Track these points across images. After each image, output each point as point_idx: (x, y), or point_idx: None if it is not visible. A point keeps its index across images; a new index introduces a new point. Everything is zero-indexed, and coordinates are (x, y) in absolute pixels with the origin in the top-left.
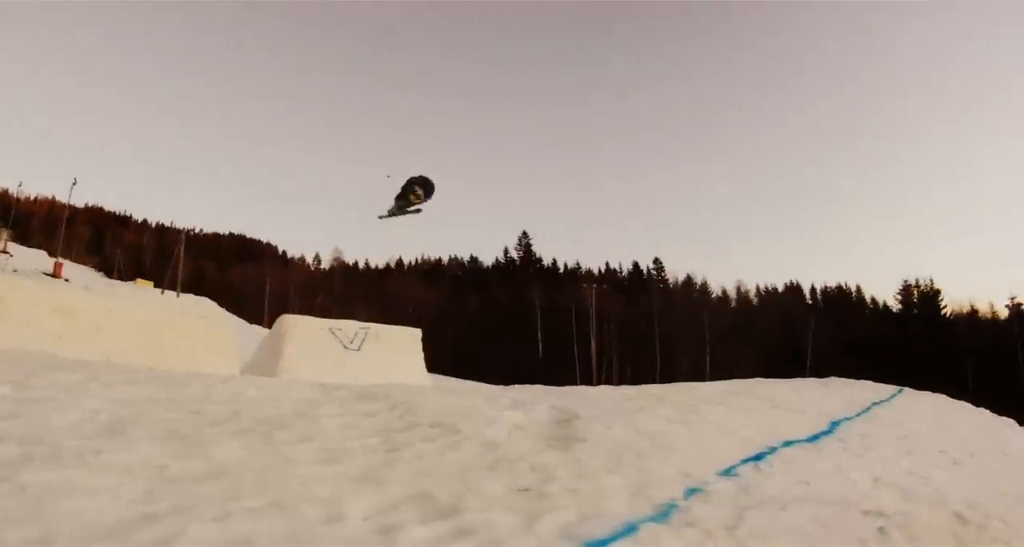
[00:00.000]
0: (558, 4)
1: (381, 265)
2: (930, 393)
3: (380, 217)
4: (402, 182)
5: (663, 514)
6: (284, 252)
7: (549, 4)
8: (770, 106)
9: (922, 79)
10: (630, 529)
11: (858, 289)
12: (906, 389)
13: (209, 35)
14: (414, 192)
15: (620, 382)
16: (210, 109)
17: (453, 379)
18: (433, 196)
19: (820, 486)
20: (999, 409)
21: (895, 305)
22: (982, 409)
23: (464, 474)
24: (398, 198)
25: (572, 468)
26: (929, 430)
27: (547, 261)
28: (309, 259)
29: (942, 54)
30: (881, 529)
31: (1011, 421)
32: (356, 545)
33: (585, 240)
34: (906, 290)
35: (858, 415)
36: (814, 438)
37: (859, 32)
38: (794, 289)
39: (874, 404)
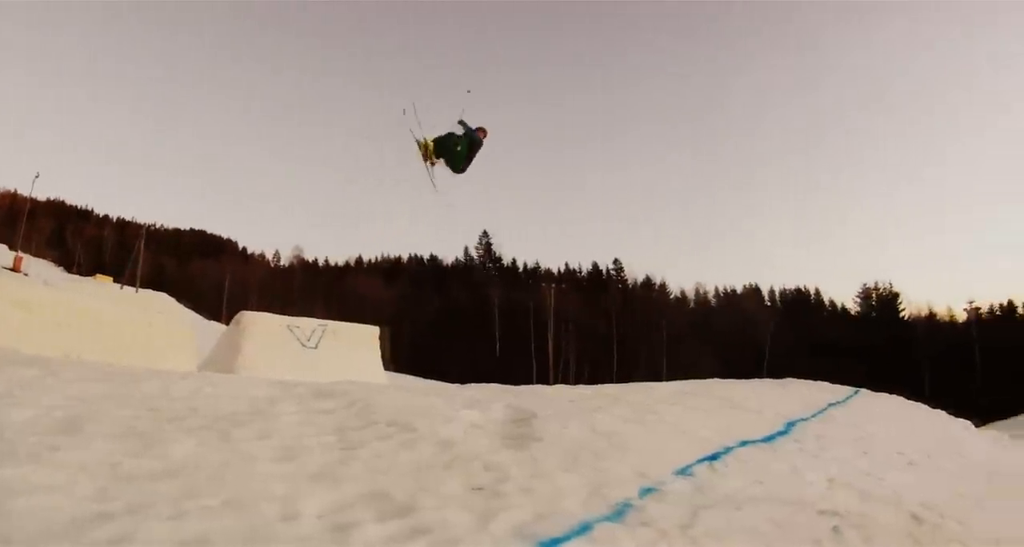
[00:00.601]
0: (520, 5)
1: (341, 262)
2: (887, 395)
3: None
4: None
5: (618, 513)
6: (244, 248)
7: (511, 5)
8: (730, 108)
9: (881, 80)
10: (585, 528)
11: (817, 292)
12: (863, 390)
13: (174, 32)
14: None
15: (577, 382)
16: (173, 105)
17: (411, 377)
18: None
19: (775, 486)
20: (956, 411)
21: (854, 308)
22: (939, 411)
23: (420, 473)
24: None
25: (528, 467)
26: (885, 431)
27: (507, 261)
28: (269, 256)
29: (901, 55)
30: (836, 529)
31: (967, 423)
32: (311, 544)
33: (546, 240)
34: (865, 293)
35: (814, 416)
36: (770, 438)
37: (816, 34)
38: (753, 291)
39: (830, 405)
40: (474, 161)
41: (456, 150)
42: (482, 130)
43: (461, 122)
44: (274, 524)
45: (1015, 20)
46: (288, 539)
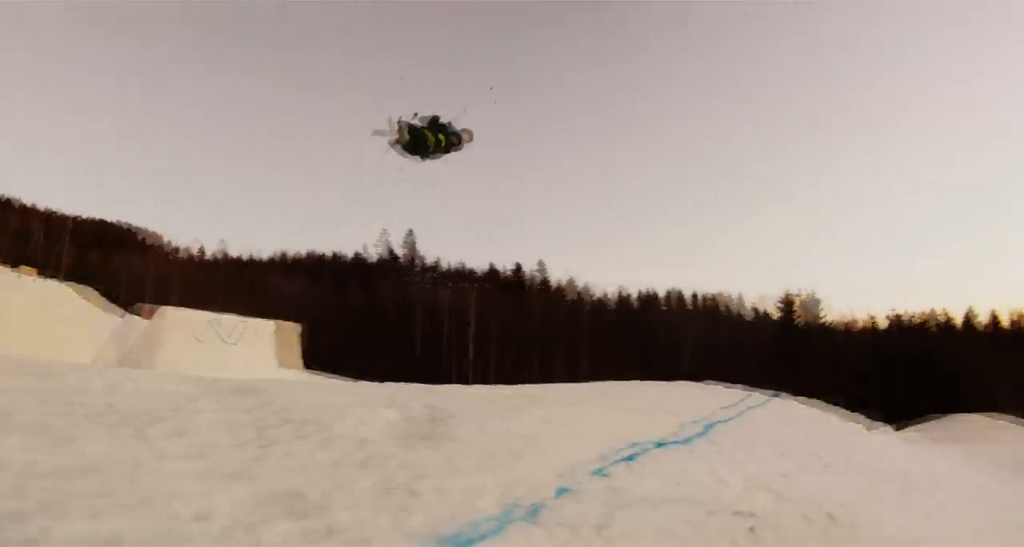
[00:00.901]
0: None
1: (265, 258)
2: (805, 399)
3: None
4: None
5: (533, 513)
6: (169, 242)
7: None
8: (653, 109)
9: (804, 82)
10: (500, 528)
11: (739, 297)
12: (781, 394)
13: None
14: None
15: (497, 382)
16: (102, 93)
17: (331, 375)
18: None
19: (692, 487)
20: (874, 416)
21: (775, 313)
22: (856, 415)
23: (335, 471)
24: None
25: (443, 466)
26: (802, 434)
27: (430, 260)
28: (194, 250)
29: (819, 57)
30: (752, 529)
31: (885, 427)
32: (224, 543)
33: (470, 240)
34: (786, 299)
35: (732, 419)
36: (687, 440)
37: (735, 33)
38: (674, 295)
39: (748, 408)
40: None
41: (426, 148)
42: (467, 132)
43: (442, 125)
44: (188, 523)
45: (925, 14)
46: (201, 538)
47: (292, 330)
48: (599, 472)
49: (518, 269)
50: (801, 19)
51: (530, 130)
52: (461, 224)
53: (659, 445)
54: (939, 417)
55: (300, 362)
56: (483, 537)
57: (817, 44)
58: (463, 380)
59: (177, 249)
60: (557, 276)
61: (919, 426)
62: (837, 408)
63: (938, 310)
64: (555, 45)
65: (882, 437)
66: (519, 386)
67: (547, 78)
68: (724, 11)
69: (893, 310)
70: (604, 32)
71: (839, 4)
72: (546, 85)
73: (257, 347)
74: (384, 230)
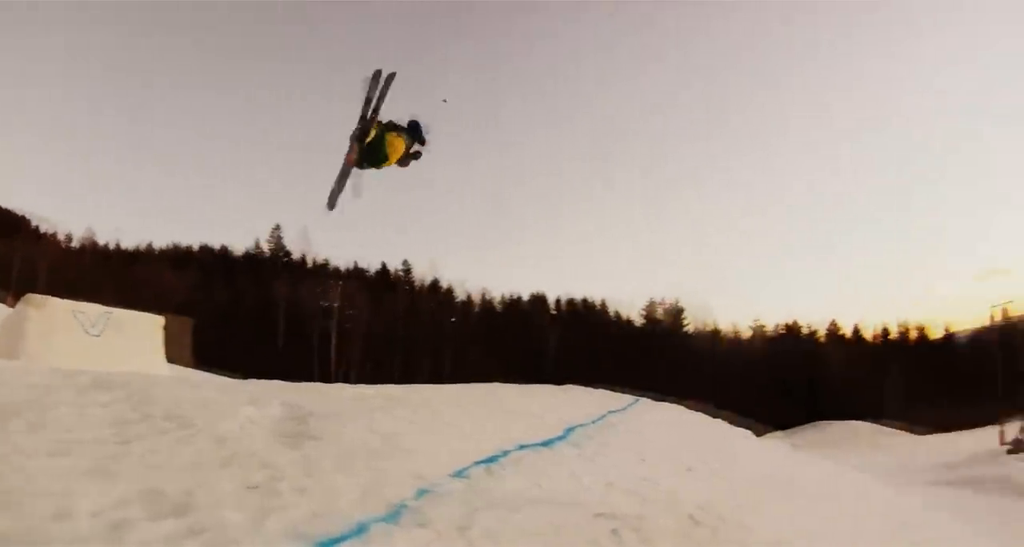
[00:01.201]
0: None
1: (132, 247)
2: (667, 404)
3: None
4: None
5: (394, 514)
6: (37, 227)
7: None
8: (530, 111)
9: (679, 95)
10: (361, 529)
11: (603, 303)
12: (643, 399)
13: None
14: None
15: (360, 381)
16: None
17: (193, 370)
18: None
19: (553, 489)
20: (738, 421)
21: (639, 320)
22: (719, 420)
23: (196, 469)
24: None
25: (304, 466)
26: (665, 438)
27: (296, 255)
28: (62, 236)
29: (697, 69)
30: (615, 531)
31: (747, 432)
32: (86, 544)
33: (337, 236)
34: (650, 306)
35: (594, 422)
36: (549, 443)
37: (616, 42)
38: (539, 299)
39: (611, 412)
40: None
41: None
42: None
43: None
44: (48, 523)
45: (792, 23)
46: (63, 539)
47: (155, 323)
48: (460, 474)
49: (383, 268)
50: (681, 32)
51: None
52: (329, 218)
53: (521, 448)
54: (817, 424)
55: (163, 356)
56: (344, 538)
57: (698, 54)
58: (326, 379)
59: (71, 238)
60: (422, 276)
61: (794, 431)
62: (698, 413)
63: (819, 320)
64: (442, 47)
65: (745, 442)
66: (382, 386)
67: (445, 79)
68: (604, 26)
69: (756, 319)
70: (496, 34)
71: (714, 21)
72: (443, 85)
73: (120, 339)
74: (277, 225)
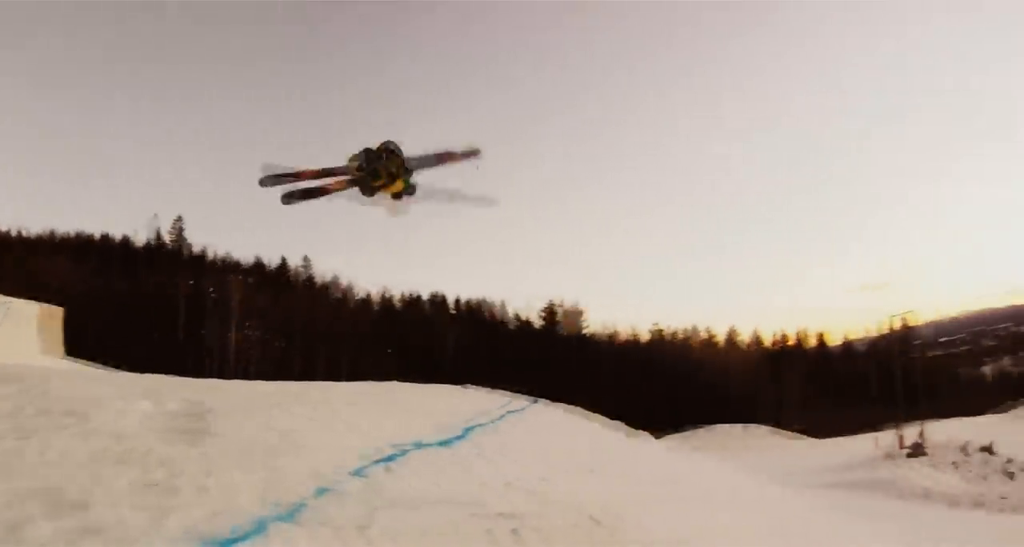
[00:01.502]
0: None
1: (32, 235)
2: (565, 405)
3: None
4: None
5: (293, 513)
6: None
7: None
8: (435, 107)
9: (577, 95)
10: (261, 528)
11: (502, 304)
12: (541, 400)
13: None
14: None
15: (258, 378)
16: None
17: (91, 363)
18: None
19: (452, 488)
20: (636, 423)
21: (538, 322)
22: (618, 422)
23: (93, 466)
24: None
25: (203, 463)
26: (563, 439)
27: (197, 248)
28: None
29: (597, 71)
30: (515, 531)
31: (646, 434)
32: None
33: (239, 229)
34: (549, 308)
35: (493, 422)
36: (448, 442)
37: (504, 42)
38: (438, 299)
39: (510, 413)
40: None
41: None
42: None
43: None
44: None
45: (681, 24)
46: None
47: (53, 314)
48: (359, 472)
49: (283, 263)
50: (570, 33)
51: (326, 124)
52: (232, 210)
53: (419, 447)
54: (699, 427)
55: (61, 348)
56: (244, 537)
57: (588, 56)
58: (224, 374)
59: None
60: (322, 273)
61: (692, 434)
62: (596, 415)
63: (700, 326)
64: (328, 47)
65: (643, 444)
66: (280, 383)
67: (338, 77)
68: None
69: (655, 323)
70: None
71: (603, 22)
72: (336, 84)
73: (17, 330)
74: (155, 215)
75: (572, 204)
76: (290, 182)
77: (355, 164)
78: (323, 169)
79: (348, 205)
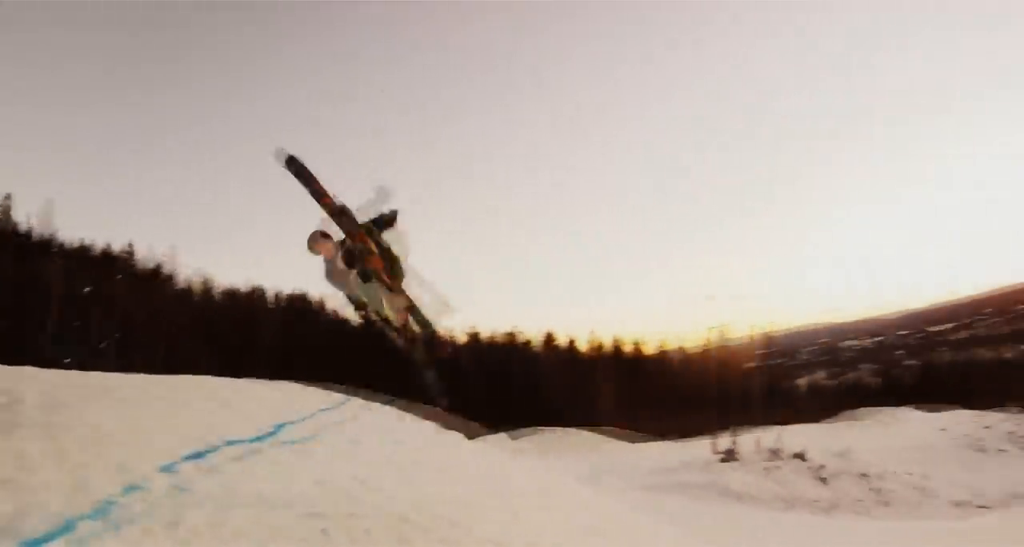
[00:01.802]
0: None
1: None
2: (381, 404)
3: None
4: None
5: (102, 511)
6: None
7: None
8: (292, 102)
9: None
10: (69, 527)
11: (321, 299)
12: (356, 398)
13: None
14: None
15: (72, 368)
16: None
17: None
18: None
19: (263, 486)
20: (454, 423)
21: (355, 319)
22: (432, 422)
23: None
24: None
25: (11, 457)
26: (377, 438)
27: (23, 227)
28: None
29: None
30: (324, 531)
31: (459, 435)
32: None
33: (76, 214)
34: None
35: (306, 419)
36: (260, 439)
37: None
38: (256, 292)
39: (323, 410)
40: None
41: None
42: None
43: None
44: None
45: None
46: None
47: None
48: (168, 469)
49: (107, 247)
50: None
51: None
52: (66, 188)
53: (231, 443)
54: (538, 429)
55: None
56: (52, 536)
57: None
58: (38, 363)
59: None
60: (145, 260)
61: (514, 435)
62: (412, 414)
63: (519, 330)
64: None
65: (464, 443)
66: (91, 373)
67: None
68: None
69: (472, 327)
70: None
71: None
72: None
73: None
74: (8, 195)
75: (397, 202)
76: (309, 184)
77: (364, 227)
78: (340, 205)
79: (180, 194)
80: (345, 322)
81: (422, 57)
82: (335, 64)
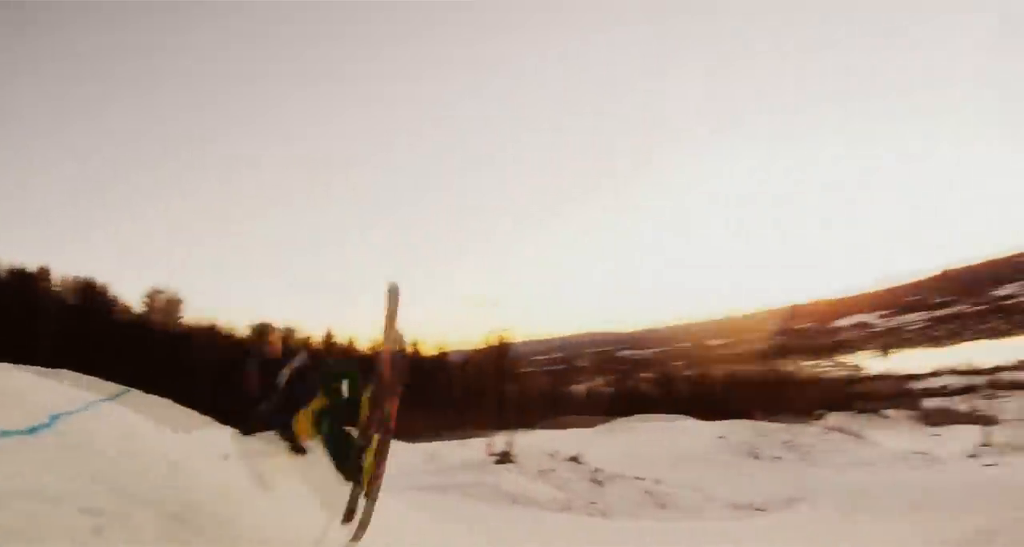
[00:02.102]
0: None
1: None
2: (158, 397)
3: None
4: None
5: None
6: None
7: None
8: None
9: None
10: None
11: (103, 286)
12: (133, 390)
13: None
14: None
15: None
16: None
17: None
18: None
19: (34, 481)
20: (221, 419)
21: (139, 308)
22: (208, 417)
23: None
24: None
25: None
26: (156, 432)
27: None
28: None
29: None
30: (96, 528)
31: (235, 431)
32: None
33: None
34: (152, 295)
35: (82, 411)
36: (31, 430)
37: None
38: (43, 272)
39: (100, 401)
40: None
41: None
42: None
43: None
44: None
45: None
46: None
47: None
48: None
49: None
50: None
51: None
52: None
53: (2, 435)
54: None
55: None
56: None
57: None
58: None
59: None
60: None
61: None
62: (192, 410)
63: (311, 326)
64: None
65: (226, 440)
66: None
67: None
68: None
69: (251, 322)
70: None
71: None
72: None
73: None
74: None
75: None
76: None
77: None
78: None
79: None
80: (126, 311)
81: None
82: None
